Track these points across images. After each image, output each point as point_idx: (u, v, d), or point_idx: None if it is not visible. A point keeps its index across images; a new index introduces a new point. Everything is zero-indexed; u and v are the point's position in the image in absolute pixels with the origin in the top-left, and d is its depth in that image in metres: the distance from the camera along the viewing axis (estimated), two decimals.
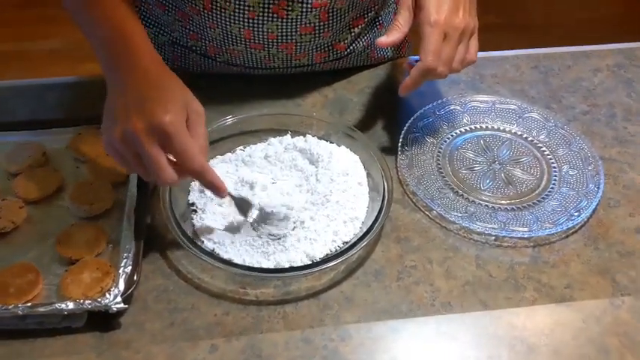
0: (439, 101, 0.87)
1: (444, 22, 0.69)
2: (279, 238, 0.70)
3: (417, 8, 0.71)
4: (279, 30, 0.81)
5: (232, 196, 0.70)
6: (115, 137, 0.60)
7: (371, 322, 0.64)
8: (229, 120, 0.80)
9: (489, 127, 0.86)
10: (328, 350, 0.62)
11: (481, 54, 0.95)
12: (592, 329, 0.64)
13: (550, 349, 0.62)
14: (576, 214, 0.73)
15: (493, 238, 0.72)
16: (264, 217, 0.71)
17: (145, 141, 0.59)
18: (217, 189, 0.65)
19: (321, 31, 0.83)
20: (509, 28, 2.44)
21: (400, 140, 0.81)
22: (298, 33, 0.82)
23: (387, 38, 0.71)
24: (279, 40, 0.82)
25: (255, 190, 0.74)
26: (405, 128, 0.82)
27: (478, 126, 0.86)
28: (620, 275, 0.69)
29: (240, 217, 0.72)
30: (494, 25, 2.41)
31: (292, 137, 0.81)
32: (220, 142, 0.80)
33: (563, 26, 2.47)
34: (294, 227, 0.71)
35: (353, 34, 0.88)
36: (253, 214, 0.71)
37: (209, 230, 0.70)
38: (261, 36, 0.81)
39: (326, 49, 0.88)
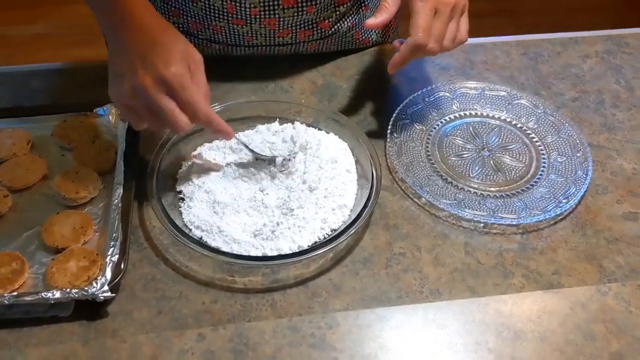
0: (428, 88, 0.87)
1: None
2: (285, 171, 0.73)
3: None
4: (262, 4, 0.80)
5: (239, 140, 0.74)
6: (125, 93, 0.63)
7: (359, 310, 0.64)
8: (217, 107, 0.79)
9: (479, 113, 0.86)
10: (316, 338, 0.62)
11: (471, 40, 0.95)
12: (579, 316, 0.64)
13: (537, 336, 0.63)
14: (564, 200, 0.73)
15: (482, 225, 0.72)
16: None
17: (154, 93, 0.62)
18: (225, 134, 0.69)
19: (305, 5, 0.82)
20: (499, 15, 2.44)
21: (389, 127, 0.80)
22: (281, 7, 0.81)
23: (375, 19, 0.71)
24: (262, 16, 0.82)
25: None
26: (394, 115, 0.82)
27: (467, 113, 0.86)
28: (607, 261, 0.69)
29: (226, 201, 0.71)
30: (485, 11, 2.40)
31: (280, 124, 0.80)
32: (207, 130, 0.79)
33: (553, 13, 2.47)
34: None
35: (338, 12, 0.87)
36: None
37: (197, 218, 0.70)
38: (243, 11, 0.81)
39: (310, 26, 0.87)
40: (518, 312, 0.64)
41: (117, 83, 0.64)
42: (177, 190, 0.74)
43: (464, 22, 0.74)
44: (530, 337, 0.62)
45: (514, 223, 0.72)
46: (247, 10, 0.81)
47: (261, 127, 0.80)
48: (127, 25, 0.65)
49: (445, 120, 0.85)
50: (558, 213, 0.72)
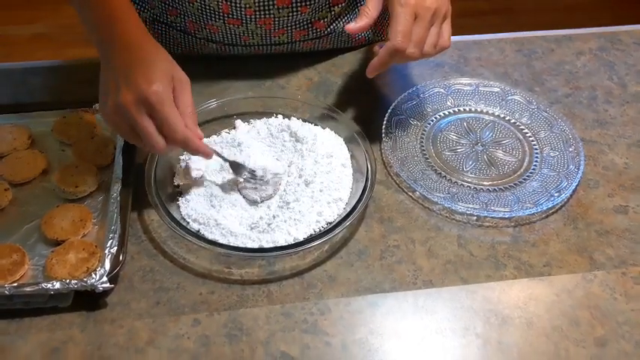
0: (423, 84, 0.88)
1: (414, 3, 0.67)
2: (265, 200, 0.72)
3: None
4: (257, 4, 0.81)
5: (225, 159, 0.73)
6: (109, 110, 0.64)
7: (350, 297, 0.65)
8: (214, 103, 0.80)
9: (473, 109, 0.87)
10: (308, 324, 0.63)
11: (466, 37, 0.96)
12: (564, 302, 0.65)
13: (523, 321, 0.64)
14: (556, 194, 0.74)
15: (475, 218, 0.73)
16: (252, 180, 0.73)
17: (134, 112, 0.62)
18: (204, 154, 0.69)
19: (299, 5, 0.83)
20: (497, 13, 2.45)
21: (384, 122, 0.81)
22: (275, 7, 0.82)
23: (355, 24, 0.70)
24: (257, 16, 0.83)
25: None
26: (390, 110, 0.83)
27: (462, 108, 0.87)
28: (597, 254, 0.70)
29: (224, 196, 0.72)
30: (483, 10, 2.41)
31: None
32: (205, 125, 0.80)
33: (550, 11, 2.48)
34: (282, 202, 0.72)
35: (333, 12, 0.88)
36: (244, 174, 0.73)
37: (194, 212, 0.71)
38: (238, 11, 0.82)
39: (305, 26, 0.88)
40: (506, 299, 0.66)
41: (103, 99, 0.65)
42: (175, 184, 0.75)
43: (446, 28, 0.72)
44: (517, 322, 0.64)
45: (507, 216, 0.73)
46: (242, 10, 0.82)
47: (257, 123, 0.81)
48: (116, 40, 0.65)
49: (439, 115, 0.86)
50: (550, 206, 0.73)
